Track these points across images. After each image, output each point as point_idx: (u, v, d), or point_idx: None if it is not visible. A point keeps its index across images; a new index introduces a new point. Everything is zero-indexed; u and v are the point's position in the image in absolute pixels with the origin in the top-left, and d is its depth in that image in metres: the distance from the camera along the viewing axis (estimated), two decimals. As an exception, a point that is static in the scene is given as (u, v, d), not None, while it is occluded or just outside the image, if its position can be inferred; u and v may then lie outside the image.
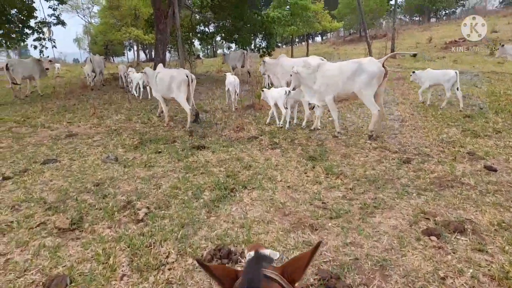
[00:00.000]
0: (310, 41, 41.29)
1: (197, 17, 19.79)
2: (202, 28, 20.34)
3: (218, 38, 21.21)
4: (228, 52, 19.85)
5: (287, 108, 7.30)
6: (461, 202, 3.87)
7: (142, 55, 46.82)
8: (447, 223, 3.39)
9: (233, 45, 29.37)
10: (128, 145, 6.61)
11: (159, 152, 6.13)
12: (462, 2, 56.75)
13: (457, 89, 8.12)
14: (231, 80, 9.61)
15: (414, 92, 10.41)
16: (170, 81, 7.80)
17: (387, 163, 5.16)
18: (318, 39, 61.16)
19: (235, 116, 8.75)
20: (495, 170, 4.64)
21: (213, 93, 12.53)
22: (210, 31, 19.61)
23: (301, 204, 4.03)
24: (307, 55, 32.07)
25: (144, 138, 6.99)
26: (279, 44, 40.92)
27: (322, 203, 4.06)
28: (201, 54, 53.15)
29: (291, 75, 7.04)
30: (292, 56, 30.55)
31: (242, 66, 15.22)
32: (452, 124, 7.05)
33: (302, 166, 5.17)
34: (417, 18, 55.53)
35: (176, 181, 4.79)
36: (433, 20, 52.37)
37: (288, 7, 27.78)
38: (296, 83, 6.96)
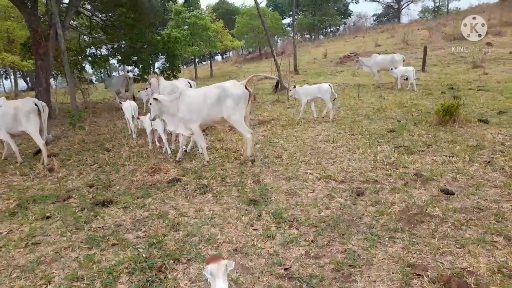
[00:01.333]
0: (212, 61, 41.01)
1: (86, 39, 17.63)
2: (93, 51, 18.13)
3: (114, 61, 19.19)
4: (110, 77, 18.48)
5: (171, 134, 7.33)
6: (442, 243, 3.30)
7: (23, 84, 40.89)
8: (447, 280, 2.73)
9: (131, 68, 27.31)
10: (0, 211, 4.82)
11: (48, 217, 4.52)
12: (344, 21, 63.21)
13: (333, 99, 9.03)
14: (127, 105, 8.90)
15: (342, 113, 10.31)
16: (15, 113, 6.80)
17: (339, 198, 4.46)
18: (218, 58, 61.54)
19: (147, 152, 7.37)
20: (453, 193, 4.28)
21: (115, 125, 10.81)
22: (103, 53, 17.49)
23: (259, 277, 3.02)
24: (211, 75, 31.58)
25: (24, 198, 5.23)
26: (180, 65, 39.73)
27: (285, 269, 3.12)
28: (94, 79, 48.80)
29: (150, 104, 6.44)
30: (196, 77, 29.65)
31: (126, 91, 14.24)
32: (382, 141, 6.83)
33: (244, 215, 4.17)
34: (307, 36, 59.94)
35: (75, 265, 3.37)
36: (321, 37, 57.02)
37: (187, 26, 26.99)
38: (157, 112, 6.34)
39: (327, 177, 5.16)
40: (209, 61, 44.40)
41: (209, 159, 6.44)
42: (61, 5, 12.62)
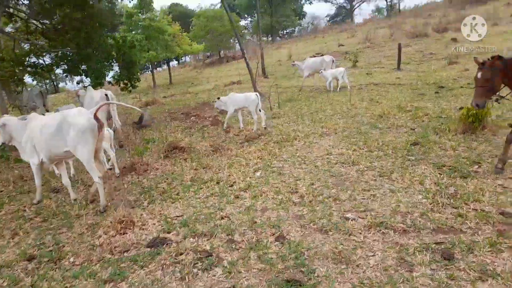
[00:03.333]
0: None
1: (25, 46, 14.99)
2: (33, 60, 15.46)
3: (60, 71, 16.71)
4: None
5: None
6: None
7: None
8: None
9: (83, 78, 24.51)
10: None
11: None
12: (299, 22, 63.14)
13: (259, 110, 8.48)
14: None
15: (341, 123, 8.95)
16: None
17: (422, 268, 2.95)
18: (173, 63, 58.72)
19: (109, 194, 5.50)
20: None
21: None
22: (46, 62, 14.96)
23: None
24: (170, 81, 29.38)
25: None
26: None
27: None
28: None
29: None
30: (154, 85, 27.35)
31: (44, 105, 12.78)
32: (413, 159, 5.48)
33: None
34: (264, 38, 58.99)
35: None
36: (277, 39, 56.38)
37: (140, 30, 24.70)
38: (6, 137, 5.43)
39: (379, 225, 3.67)
40: (165, 67, 42.01)
41: (202, 198, 4.75)
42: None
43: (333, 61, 14.42)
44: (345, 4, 60.40)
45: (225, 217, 4.24)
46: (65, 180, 5.45)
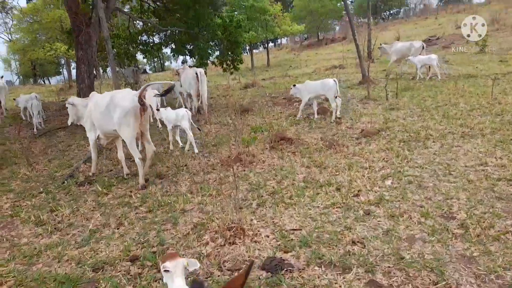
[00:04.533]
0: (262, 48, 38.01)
1: (138, 25, 15.72)
2: (145, 38, 16.14)
3: (167, 50, 17.29)
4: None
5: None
6: None
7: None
8: None
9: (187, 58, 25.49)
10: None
11: None
12: (408, 1, 57.40)
13: (335, 97, 7.95)
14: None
15: (487, 122, 7.34)
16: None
17: None
18: (270, 45, 58.32)
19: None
20: None
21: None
22: (156, 41, 15.46)
23: None
24: (268, 64, 28.93)
25: None
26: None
27: None
28: (147, 68, 48.00)
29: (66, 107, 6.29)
30: (252, 67, 27.20)
31: (136, 83, 13.02)
32: None
33: None
34: (365, 20, 54.81)
35: None
36: (381, 21, 51.89)
37: (242, 11, 24.48)
38: (74, 117, 6.20)
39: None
40: (262, 49, 41.79)
41: (321, 207, 3.89)
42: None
43: (423, 47, 13.45)
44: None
45: (357, 241, 3.30)
46: (120, 154, 5.74)
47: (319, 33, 40.42)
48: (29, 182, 5.77)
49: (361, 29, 39.96)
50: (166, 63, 59.77)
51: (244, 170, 5.57)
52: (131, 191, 5.14)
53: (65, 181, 5.50)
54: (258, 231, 3.68)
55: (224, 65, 12.87)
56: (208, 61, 12.40)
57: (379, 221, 3.64)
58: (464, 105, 8.08)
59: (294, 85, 8.60)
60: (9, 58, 41.89)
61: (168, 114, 6.77)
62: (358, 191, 4.36)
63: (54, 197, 5.05)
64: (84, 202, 4.87)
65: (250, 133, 7.52)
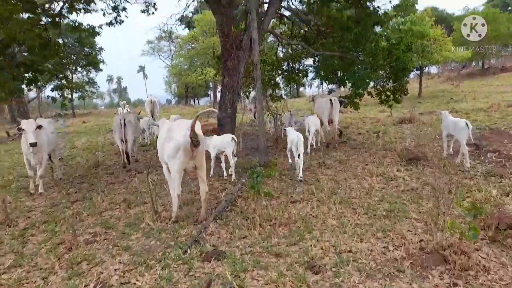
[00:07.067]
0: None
1: (283, 50, 14.79)
2: (288, 64, 15.07)
3: (311, 77, 15.91)
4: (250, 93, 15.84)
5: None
6: None
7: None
8: None
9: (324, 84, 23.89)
10: None
11: None
12: None
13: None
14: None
15: None
16: None
17: None
18: (415, 73, 52.24)
19: None
20: None
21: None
22: (300, 67, 14.17)
23: None
24: (419, 94, 25.11)
25: None
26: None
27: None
28: (283, 93, 48.44)
29: None
30: (403, 97, 23.86)
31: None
32: None
33: None
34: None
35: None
36: None
37: (397, 36, 21.68)
38: None
39: None
40: (411, 77, 37.39)
41: None
42: (261, 3, 9.69)
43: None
44: None
45: None
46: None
47: (484, 61, 34.06)
48: (149, 237, 4.62)
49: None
50: (301, 88, 59.72)
51: (456, 286, 3.26)
52: None
53: (188, 250, 4.09)
54: None
55: (383, 96, 10.58)
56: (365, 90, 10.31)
57: None
58: None
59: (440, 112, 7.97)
60: (170, 81, 47.88)
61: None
62: None
63: (170, 276, 3.64)
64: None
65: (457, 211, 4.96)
